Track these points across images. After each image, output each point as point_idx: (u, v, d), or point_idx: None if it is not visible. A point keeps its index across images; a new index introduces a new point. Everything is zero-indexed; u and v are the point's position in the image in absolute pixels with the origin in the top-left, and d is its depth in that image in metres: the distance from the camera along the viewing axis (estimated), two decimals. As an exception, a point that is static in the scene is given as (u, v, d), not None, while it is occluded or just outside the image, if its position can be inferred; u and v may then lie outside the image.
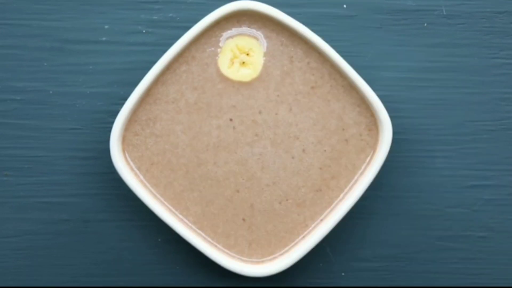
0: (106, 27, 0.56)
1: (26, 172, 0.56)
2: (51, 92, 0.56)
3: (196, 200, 0.54)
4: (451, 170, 0.57)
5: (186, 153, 0.53)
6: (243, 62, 0.53)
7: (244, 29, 0.53)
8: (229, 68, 0.53)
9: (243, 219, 0.54)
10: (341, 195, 0.54)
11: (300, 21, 0.53)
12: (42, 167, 0.56)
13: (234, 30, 0.53)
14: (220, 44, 0.53)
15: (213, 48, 0.53)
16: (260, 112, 0.53)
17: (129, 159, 0.53)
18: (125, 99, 0.53)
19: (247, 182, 0.54)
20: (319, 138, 0.54)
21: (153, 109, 0.53)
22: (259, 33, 0.53)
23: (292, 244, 0.54)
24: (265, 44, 0.54)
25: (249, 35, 0.53)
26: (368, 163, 0.54)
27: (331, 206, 0.54)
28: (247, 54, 0.53)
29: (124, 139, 0.53)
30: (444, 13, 0.57)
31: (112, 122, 0.53)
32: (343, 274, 0.57)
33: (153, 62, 0.52)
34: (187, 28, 0.53)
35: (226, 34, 0.53)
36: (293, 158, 0.54)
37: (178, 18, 0.57)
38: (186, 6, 0.57)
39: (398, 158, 0.57)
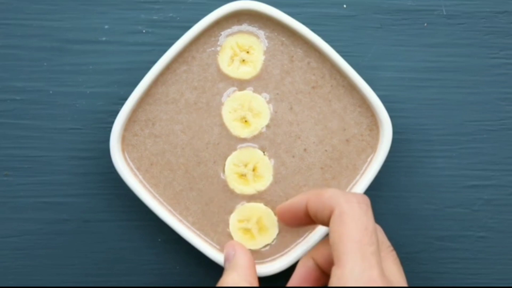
0: (106, 27, 0.56)
1: (26, 172, 0.56)
2: (51, 92, 0.56)
3: (196, 199, 0.54)
4: (451, 170, 0.57)
5: (185, 152, 0.53)
6: (243, 60, 0.53)
7: (245, 26, 0.53)
8: (229, 66, 0.53)
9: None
10: (342, 195, 0.54)
11: (300, 21, 0.53)
12: (42, 167, 0.56)
13: (234, 28, 0.53)
14: (220, 42, 0.53)
15: (213, 48, 0.53)
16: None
17: (128, 159, 0.53)
18: (125, 99, 0.53)
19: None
20: (321, 137, 0.54)
21: (152, 110, 0.53)
22: (260, 32, 0.53)
23: (293, 245, 0.54)
24: (266, 44, 0.54)
25: (249, 33, 0.53)
26: (369, 163, 0.54)
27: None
28: (247, 52, 0.53)
29: (123, 139, 0.53)
30: (444, 13, 0.57)
31: (112, 122, 0.53)
32: (343, 274, 0.57)
33: (153, 62, 0.52)
34: (187, 28, 0.53)
35: (226, 32, 0.53)
36: (293, 157, 0.54)
37: (178, 18, 0.57)
38: (186, 6, 0.57)
39: (398, 158, 0.57)
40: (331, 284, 0.42)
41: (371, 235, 0.42)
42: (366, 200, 0.45)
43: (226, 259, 0.50)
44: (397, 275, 0.44)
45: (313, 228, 0.54)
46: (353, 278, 0.41)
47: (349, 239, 0.42)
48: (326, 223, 0.45)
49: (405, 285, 0.45)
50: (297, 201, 0.48)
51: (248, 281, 0.47)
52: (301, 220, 0.49)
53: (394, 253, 0.46)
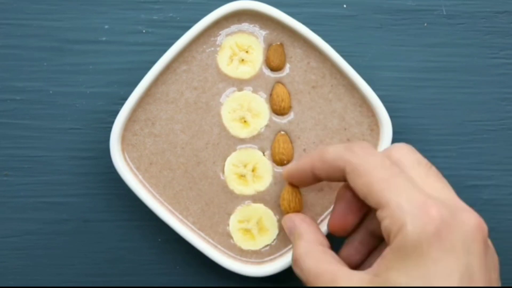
0: (106, 27, 0.56)
1: (26, 172, 0.56)
2: (51, 92, 0.56)
3: (196, 199, 0.54)
4: (451, 170, 0.57)
5: (185, 152, 0.53)
6: (242, 60, 0.53)
7: (244, 25, 0.53)
8: (228, 66, 0.53)
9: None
10: (342, 195, 0.54)
11: (300, 21, 0.53)
12: (42, 167, 0.56)
13: (233, 27, 0.53)
14: (220, 42, 0.53)
15: (212, 48, 0.53)
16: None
17: (128, 159, 0.53)
18: (125, 99, 0.53)
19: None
20: (321, 137, 0.53)
21: (152, 109, 0.53)
22: (260, 32, 0.53)
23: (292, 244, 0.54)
24: (265, 44, 0.54)
25: (248, 33, 0.53)
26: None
27: (332, 206, 0.54)
28: (246, 52, 0.53)
29: (123, 139, 0.53)
30: (444, 13, 0.57)
31: (112, 122, 0.53)
32: (343, 274, 0.57)
33: (153, 62, 0.52)
34: (187, 28, 0.53)
35: (225, 31, 0.53)
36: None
37: (178, 18, 0.57)
38: (186, 6, 0.57)
39: (398, 158, 0.57)
40: (384, 227, 0.41)
41: (391, 167, 0.42)
42: (365, 143, 0.45)
43: (289, 233, 0.49)
44: (443, 191, 0.43)
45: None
46: (404, 212, 0.40)
47: (375, 184, 0.42)
48: (342, 180, 0.45)
49: (455, 197, 0.43)
50: (302, 167, 0.48)
51: (318, 242, 0.47)
52: (310, 181, 0.48)
53: (433, 169, 0.45)
